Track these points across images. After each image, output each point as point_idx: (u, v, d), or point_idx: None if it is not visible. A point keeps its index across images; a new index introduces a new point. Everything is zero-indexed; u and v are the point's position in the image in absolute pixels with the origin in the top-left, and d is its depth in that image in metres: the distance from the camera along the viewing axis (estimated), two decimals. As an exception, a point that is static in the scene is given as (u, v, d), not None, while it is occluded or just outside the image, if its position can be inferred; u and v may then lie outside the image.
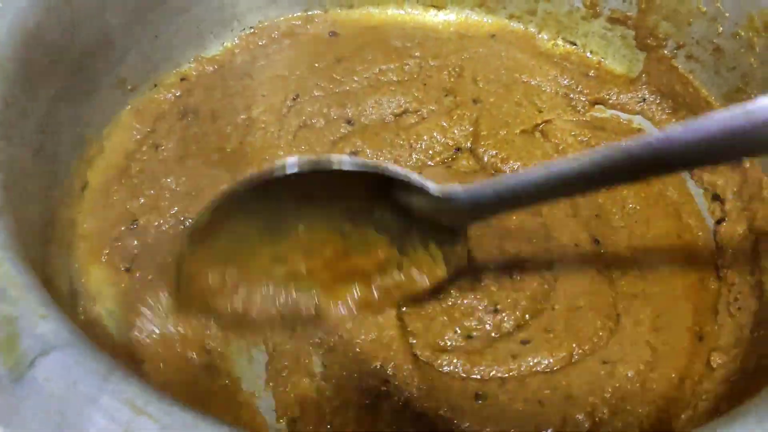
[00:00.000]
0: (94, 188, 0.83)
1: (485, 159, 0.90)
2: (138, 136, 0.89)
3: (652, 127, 0.97)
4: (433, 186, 0.64)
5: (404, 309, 0.76)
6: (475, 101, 0.96)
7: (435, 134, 0.92)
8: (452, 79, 0.99)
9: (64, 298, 0.73)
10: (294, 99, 0.95)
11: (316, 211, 0.70)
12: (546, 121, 0.95)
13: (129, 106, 0.91)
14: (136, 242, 0.79)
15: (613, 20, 0.99)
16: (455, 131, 0.92)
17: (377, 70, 1.00)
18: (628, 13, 0.96)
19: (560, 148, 0.93)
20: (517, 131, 0.93)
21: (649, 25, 0.94)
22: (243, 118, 0.92)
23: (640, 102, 0.98)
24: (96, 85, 0.84)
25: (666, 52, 0.94)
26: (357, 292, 0.73)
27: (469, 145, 0.92)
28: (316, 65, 1.00)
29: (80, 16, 0.79)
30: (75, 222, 0.80)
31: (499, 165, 0.90)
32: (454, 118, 0.93)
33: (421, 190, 0.65)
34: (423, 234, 0.72)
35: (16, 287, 0.53)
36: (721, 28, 0.85)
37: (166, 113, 0.92)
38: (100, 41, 0.83)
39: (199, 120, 0.91)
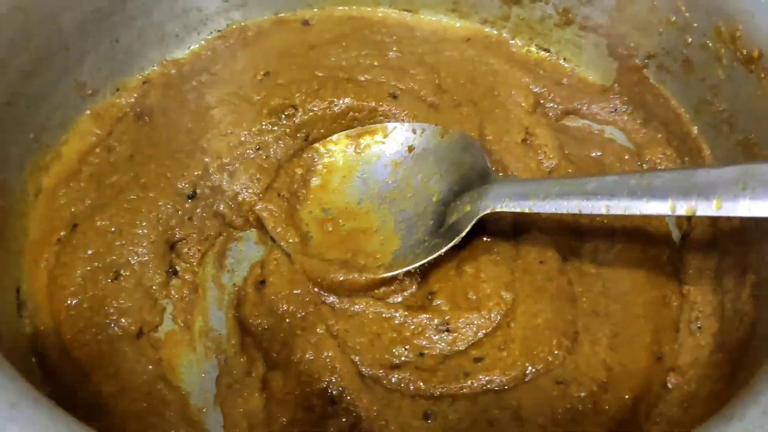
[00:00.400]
0: (46, 194, 0.82)
1: (492, 164, 0.87)
2: (95, 140, 0.88)
3: (623, 137, 0.95)
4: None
5: (337, 327, 0.75)
6: (473, 102, 0.94)
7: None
8: (434, 75, 0.97)
9: (10, 310, 0.72)
10: (265, 75, 0.94)
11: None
12: (527, 128, 0.93)
13: (88, 111, 0.89)
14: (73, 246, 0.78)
15: (585, 28, 0.97)
16: (466, 129, 0.90)
17: (354, 54, 0.98)
18: (600, 21, 0.94)
19: (548, 156, 0.90)
20: (518, 140, 0.91)
21: (620, 34, 0.93)
22: (195, 106, 0.90)
23: (612, 112, 0.96)
24: (52, 89, 0.83)
25: (638, 61, 0.92)
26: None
27: None
28: (287, 51, 0.98)
29: (33, 20, 0.77)
30: (27, 229, 0.79)
31: (499, 173, 0.88)
32: (464, 114, 0.92)
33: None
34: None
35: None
36: (690, 39, 0.83)
37: (124, 117, 0.91)
38: (54, 46, 0.81)
39: (152, 119, 0.90)
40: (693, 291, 0.78)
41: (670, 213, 0.63)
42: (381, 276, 0.77)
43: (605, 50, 0.96)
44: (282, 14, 1.04)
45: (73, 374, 0.71)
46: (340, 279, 0.77)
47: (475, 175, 0.82)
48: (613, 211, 0.67)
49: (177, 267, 0.81)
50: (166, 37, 0.96)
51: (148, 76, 0.95)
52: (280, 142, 0.87)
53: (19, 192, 0.79)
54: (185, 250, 0.81)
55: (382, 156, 0.88)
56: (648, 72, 0.91)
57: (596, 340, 0.74)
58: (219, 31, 1.01)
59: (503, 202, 0.75)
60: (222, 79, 0.94)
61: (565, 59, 1.02)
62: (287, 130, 0.88)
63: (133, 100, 0.92)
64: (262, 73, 0.94)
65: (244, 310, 0.78)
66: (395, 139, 0.88)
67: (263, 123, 0.88)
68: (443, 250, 0.77)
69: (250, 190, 0.84)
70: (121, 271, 0.76)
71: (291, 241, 0.82)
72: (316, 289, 0.78)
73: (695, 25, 0.82)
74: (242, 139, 0.86)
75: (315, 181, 0.88)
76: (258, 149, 0.86)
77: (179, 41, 0.98)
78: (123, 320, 0.74)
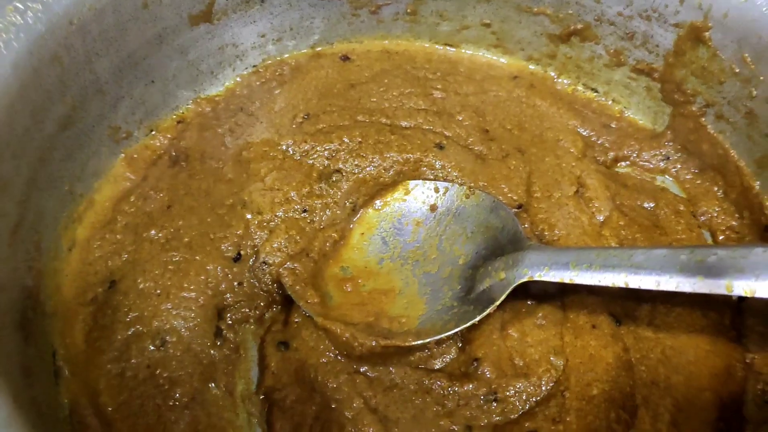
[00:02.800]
0: (80, 246, 0.78)
1: (537, 223, 0.84)
2: (129, 186, 0.85)
3: (674, 185, 0.91)
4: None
5: (375, 401, 0.71)
6: (520, 151, 0.90)
7: (501, 185, 0.86)
8: (480, 119, 0.93)
9: (46, 378, 0.69)
10: (305, 117, 0.91)
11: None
12: (579, 178, 0.89)
13: (122, 155, 0.86)
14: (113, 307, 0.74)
15: (637, 71, 0.93)
16: (513, 184, 0.86)
17: (397, 93, 0.94)
18: (654, 65, 0.90)
19: (600, 208, 0.86)
20: (570, 192, 0.86)
21: (676, 80, 0.88)
22: (235, 153, 0.87)
23: (664, 159, 0.92)
24: (86, 138, 0.79)
25: (694, 108, 0.88)
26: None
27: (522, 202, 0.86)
28: (326, 91, 0.94)
29: (70, 70, 0.73)
30: (60, 288, 0.75)
31: (545, 232, 0.84)
32: (511, 168, 0.87)
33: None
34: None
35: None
36: (756, 92, 0.80)
37: (159, 160, 0.87)
38: (90, 93, 0.77)
39: (189, 164, 0.86)
40: (757, 361, 0.75)
41: (726, 293, 0.61)
42: (410, 344, 0.73)
43: (658, 95, 0.92)
44: (319, 48, 1.00)
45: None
46: (370, 345, 0.72)
47: (505, 238, 0.78)
48: (664, 287, 0.64)
49: (221, 326, 0.77)
50: (201, 76, 0.92)
51: (182, 116, 0.92)
52: (328, 210, 0.83)
53: (53, 249, 0.75)
54: (233, 315, 0.77)
55: (402, 215, 0.83)
56: (706, 120, 0.87)
57: (658, 415, 0.71)
58: (254, 66, 0.97)
59: (542, 271, 0.72)
60: (259, 120, 0.91)
61: (613, 100, 0.98)
62: (335, 198, 0.84)
63: (167, 141, 0.89)
64: (301, 115, 0.91)
65: (267, 378, 0.74)
66: (417, 198, 0.84)
67: (314, 186, 0.84)
68: (477, 319, 0.73)
69: (284, 251, 0.80)
70: (167, 337, 0.73)
71: (310, 301, 0.76)
72: (341, 358, 0.74)
73: (762, 78, 0.78)
74: (290, 196, 0.82)
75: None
76: (304, 211, 0.82)
77: (213, 78, 0.94)
78: (175, 391, 0.70)
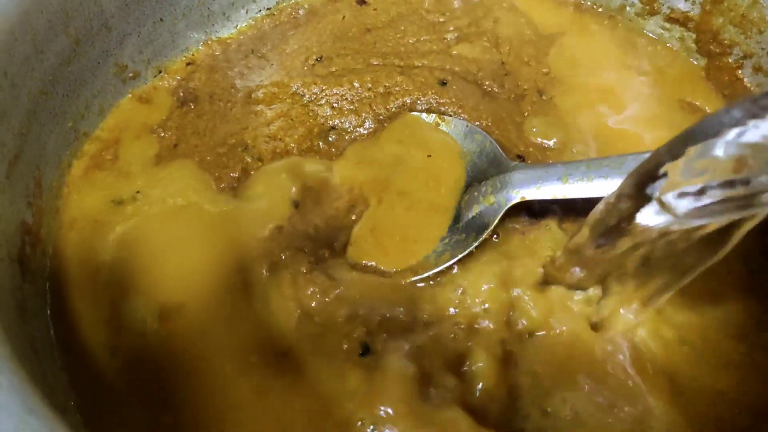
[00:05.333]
0: (79, 178, 0.76)
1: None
2: (136, 125, 0.82)
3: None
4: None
5: None
6: (540, 93, 0.85)
7: (509, 129, 0.81)
8: (495, 51, 0.88)
9: (43, 323, 0.67)
10: (318, 59, 0.87)
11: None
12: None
13: (130, 95, 0.83)
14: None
15: (671, 20, 0.87)
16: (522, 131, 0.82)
17: (413, 40, 0.90)
18: (690, 14, 0.85)
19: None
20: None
21: (713, 29, 0.83)
22: (244, 95, 0.84)
23: (696, 114, 0.87)
24: (91, 74, 0.77)
25: (731, 60, 0.83)
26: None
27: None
28: (341, 34, 0.91)
29: (73, 1, 0.70)
30: (62, 227, 0.74)
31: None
32: (525, 114, 0.83)
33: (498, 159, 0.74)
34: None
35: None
36: (799, 41, 0.74)
37: (166, 100, 0.84)
38: (95, 27, 0.75)
39: (197, 105, 0.83)
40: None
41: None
42: (410, 281, 0.70)
43: (692, 46, 0.87)
44: (335, -9, 0.96)
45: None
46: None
47: (485, 162, 0.75)
48: None
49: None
50: (212, 16, 0.89)
51: (192, 57, 0.89)
52: None
53: (56, 188, 0.73)
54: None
55: None
56: (742, 73, 0.82)
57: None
58: (268, 8, 0.94)
59: (533, 189, 0.69)
60: (270, 63, 0.87)
61: (644, 52, 0.92)
62: (332, 157, 0.80)
63: (175, 83, 0.86)
64: (314, 57, 0.87)
65: None
66: None
67: (314, 142, 0.80)
68: (473, 246, 0.70)
69: None
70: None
71: None
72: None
73: (806, 25, 0.73)
74: (290, 148, 0.79)
75: None
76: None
77: (225, 20, 0.91)
78: None
